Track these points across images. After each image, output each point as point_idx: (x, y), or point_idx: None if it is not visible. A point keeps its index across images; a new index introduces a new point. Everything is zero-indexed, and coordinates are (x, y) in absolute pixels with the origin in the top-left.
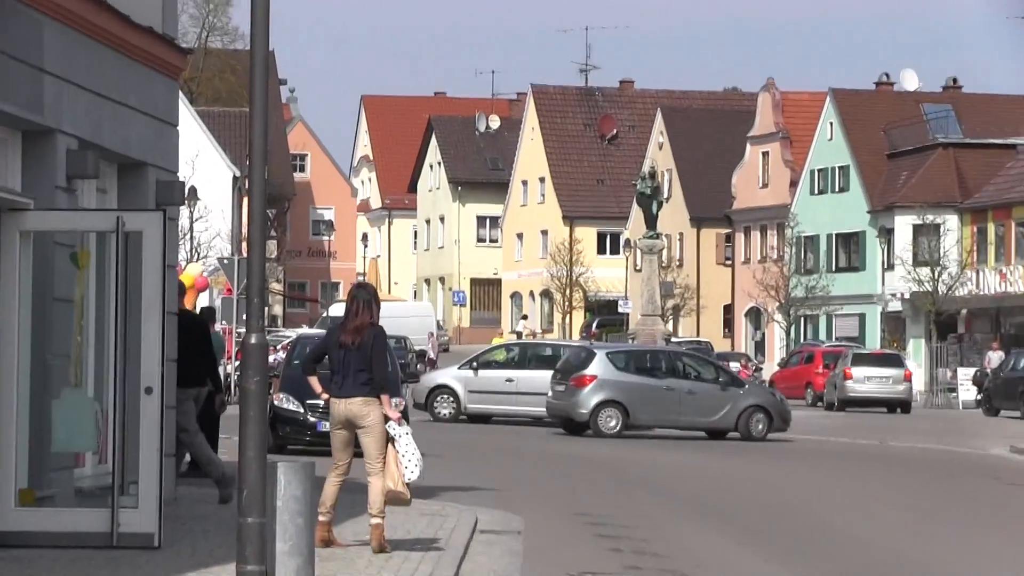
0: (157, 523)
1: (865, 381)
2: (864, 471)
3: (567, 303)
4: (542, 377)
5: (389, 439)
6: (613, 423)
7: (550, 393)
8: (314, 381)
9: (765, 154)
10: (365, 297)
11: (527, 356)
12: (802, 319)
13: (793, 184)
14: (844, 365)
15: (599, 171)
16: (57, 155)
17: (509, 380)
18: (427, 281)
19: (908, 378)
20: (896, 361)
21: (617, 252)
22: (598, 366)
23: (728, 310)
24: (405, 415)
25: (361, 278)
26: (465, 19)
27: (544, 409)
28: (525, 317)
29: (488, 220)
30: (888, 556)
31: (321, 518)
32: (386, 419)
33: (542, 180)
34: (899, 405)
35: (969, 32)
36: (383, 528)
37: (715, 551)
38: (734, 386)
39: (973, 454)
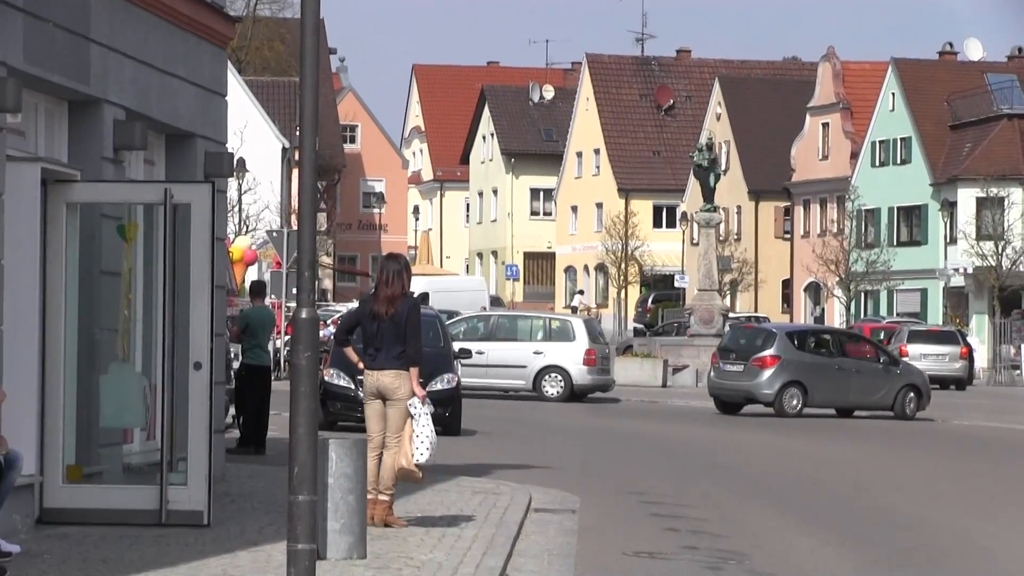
0: (206, 501)
1: (921, 359)
2: (927, 450)
3: (622, 277)
4: (512, 349)
5: (410, 416)
6: (795, 403)
7: (712, 372)
8: (350, 352)
9: (825, 125)
10: (396, 268)
11: (495, 328)
12: (862, 294)
13: (854, 156)
14: (900, 342)
15: (655, 142)
16: (104, 126)
17: (479, 352)
18: (479, 255)
19: (965, 355)
20: (952, 338)
21: (673, 225)
22: (780, 346)
23: (787, 285)
24: (458, 390)
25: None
26: None
27: (517, 382)
28: (581, 292)
29: (542, 192)
30: (950, 538)
31: (369, 496)
32: (411, 395)
33: (597, 152)
34: (955, 382)
35: None
36: (390, 504)
37: (774, 532)
38: (892, 365)
39: None
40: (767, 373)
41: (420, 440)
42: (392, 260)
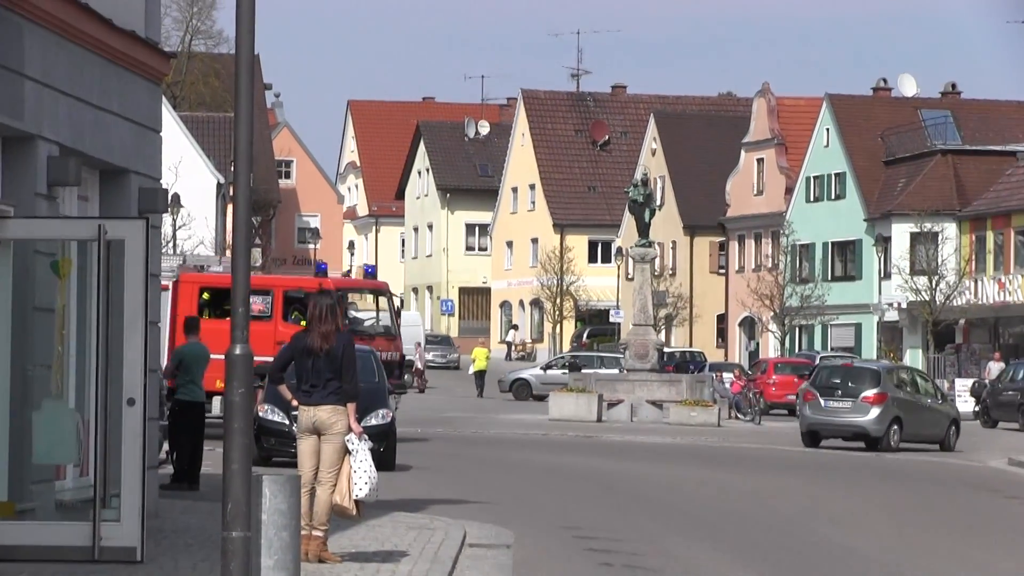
0: (140, 537)
1: None
2: (860, 483)
3: (557, 312)
4: None
5: (347, 452)
6: (896, 438)
7: (807, 408)
8: (284, 390)
9: (760, 161)
10: (328, 303)
11: None
12: (797, 329)
13: (788, 191)
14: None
15: (591, 178)
16: (38, 161)
17: None
18: (415, 290)
19: None
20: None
21: (609, 260)
22: (886, 384)
23: (721, 320)
24: (393, 426)
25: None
26: (454, 23)
27: None
28: (516, 327)
29: (477, 228)
30: (884, 570)
31: (303, 531)
32: (348, 431)
33: (532, 187)
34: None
35: (968, 37)
36: (324, 540)
37: (708, 566)
38: (945, 401)
39: (971, 466)
40: (876, 410)
41: (359, 476)
42: (324, 295)
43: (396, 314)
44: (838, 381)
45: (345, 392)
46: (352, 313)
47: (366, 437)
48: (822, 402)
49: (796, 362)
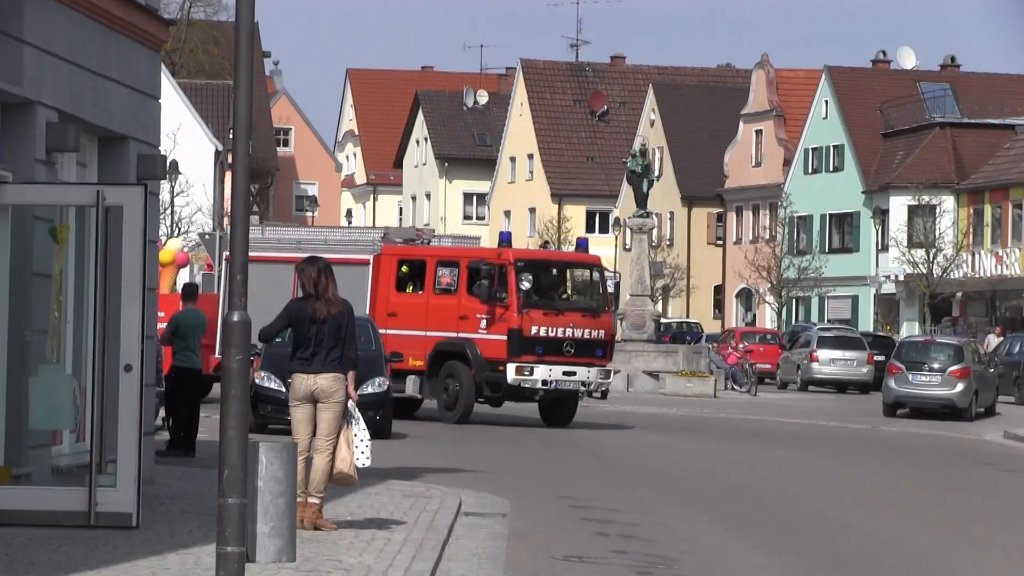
0: (135, 503)
1: (831, 363)
2: (856, 457)
3: None
4: None
5: (347, 420)
6: (975, 409)
7: (893, 381)
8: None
9: (758, 132)
10: (322, 266)
11: None
12: (794, 301)
13: (787, 163)
14: (811, 348)
15: (589, 148)
16: (37, 127)
17: None
18: None
19: (871, 361)
20: (859, 344)
21: (606, 231)
22: (968, 359)
23: (719, 291)
24: (389, 394)
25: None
26: None
27: None
28: None
29: (475, 197)
30: (880, 544)
31: (299, 499)
32: (347, 399)
33: (531, 157)
34: (860, 387)
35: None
36: (320, 508)
37: (704, 538)
38: (994, 369)
39: (968, 439)
40: (962, 384)
41: (363, 443)
42: (316, 262)
43: (607, 289)
44: (923, 356)
45: (347, 360)
46: (525, 284)
47: (356, 406)
48: (909, 376)
49: (762, 331)
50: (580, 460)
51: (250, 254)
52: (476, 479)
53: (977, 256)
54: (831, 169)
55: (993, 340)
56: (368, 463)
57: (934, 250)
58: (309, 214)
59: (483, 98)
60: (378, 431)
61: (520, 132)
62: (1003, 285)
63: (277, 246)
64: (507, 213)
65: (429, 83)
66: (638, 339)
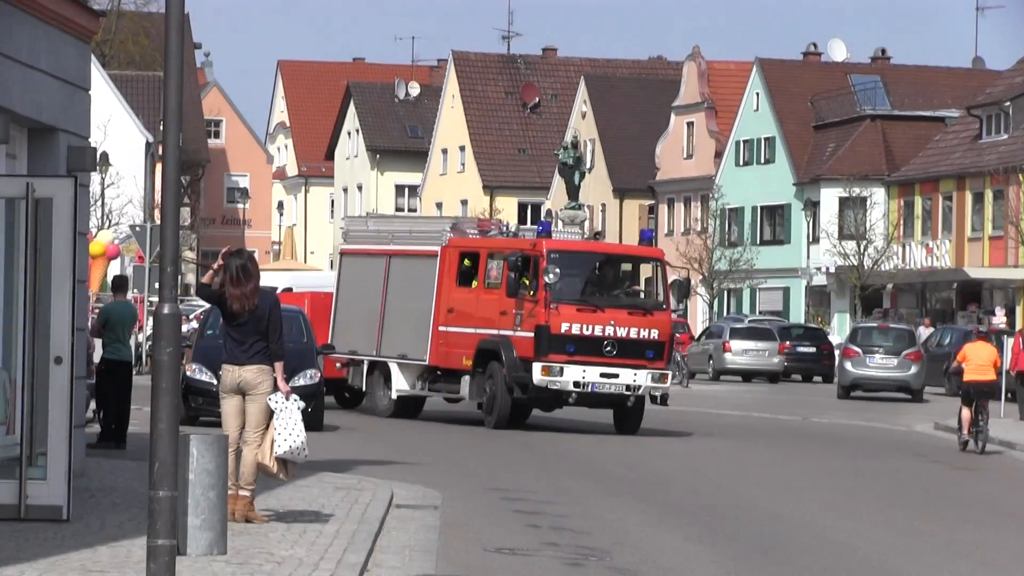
0: (66, 496)
1: (743, 354)
2: (788, 447)
3: None
4: None
5: (276, 411)
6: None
7: (849, 363)
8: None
9: (690, 124)
10: (239, 263)
11: None
12: (725, 292)
13: (718, 155)
14: (723, 339)
15: (521, 140)
16: None
17: None
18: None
19: (782, 351)
20: (770, 335)
21: (538, 222)
22: (919, 343)
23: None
24: (321, 386)
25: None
26: None
27: None
28: None
29: (407, 189)
30: (809, 534)
31: (230, 491)
32: (275, 390)
33: (462, 149)
34: (770, 376)
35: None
36: (251, 500)
37: (635, 528)
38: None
39: (898, 431)
40: (916, 367)
41: (282, 435)
42: (235, 256)
43: (666, 286)
44: (879, 340)
45: (272, 352)
46: (550, 277)
47: (296, 397)
48: (866, 359)
49: (679, 321)
50: (512, 452)
51: (361, 247)
52: (409, 471)
53: (908, 248)
54: (762, 161)
55: (924, 332)
56: (281, 451)
57: (865, 242)
58: (240, 206)
59: (415, 90)
60: (310, 423)
61: (452, 124)
62: (933, 277)
63: (377, 238)
64: (439, 205)
65: (360, 75)
66: None
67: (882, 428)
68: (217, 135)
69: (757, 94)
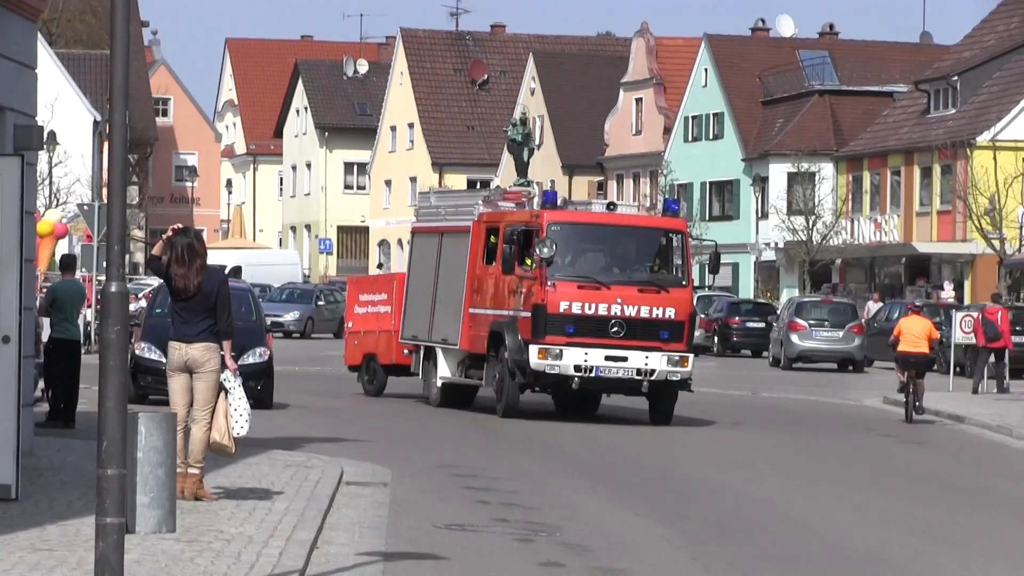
0: (14, 475)
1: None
2: (739, 424)
3: None
4: None
5: (223, 389)
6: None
7: (796, 336)
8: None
9: (639, 100)
10: (185, 242)
11: None
12: None
13: (667, 131)
14: None
15: (469, 117)
16: None
17: None
18: (293, 229)
19: (705, 326)
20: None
21: None
22: (860, 316)
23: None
24: (271, 364)
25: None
26: None
27: None
28: (380, 266)
29: (356, 166)
30: (762, 510)
31: (179, 469)
32: (223, 368)
33: (411, 126)
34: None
35: None
36: (200, 478)
37: (586, 505)
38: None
39: (847, 405)
40: (859, 339)
41: (239, 413)
42: (182, 235)
43: (687, 260)
44: (824, 314)
45: (220, 330)
46: (545, 251)
47: (238, 374)
48: (812, 332)
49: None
50: (463, 429)
51: (423, 225)
52: (358, 449)
53: (856, 223)
54: (711, 137)
55: (872, 306)
56: (244, 431)
57: (813, 217)
58: (189, 184)
59: (363, 67)
60: (259, 401)
61: (400, 101)
62: (882, 252)
63: (435, 215)
64: (388, 183)
65: (309, 52)
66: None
67: (832, 403)
68: (165, 113)
69: (705, 70)
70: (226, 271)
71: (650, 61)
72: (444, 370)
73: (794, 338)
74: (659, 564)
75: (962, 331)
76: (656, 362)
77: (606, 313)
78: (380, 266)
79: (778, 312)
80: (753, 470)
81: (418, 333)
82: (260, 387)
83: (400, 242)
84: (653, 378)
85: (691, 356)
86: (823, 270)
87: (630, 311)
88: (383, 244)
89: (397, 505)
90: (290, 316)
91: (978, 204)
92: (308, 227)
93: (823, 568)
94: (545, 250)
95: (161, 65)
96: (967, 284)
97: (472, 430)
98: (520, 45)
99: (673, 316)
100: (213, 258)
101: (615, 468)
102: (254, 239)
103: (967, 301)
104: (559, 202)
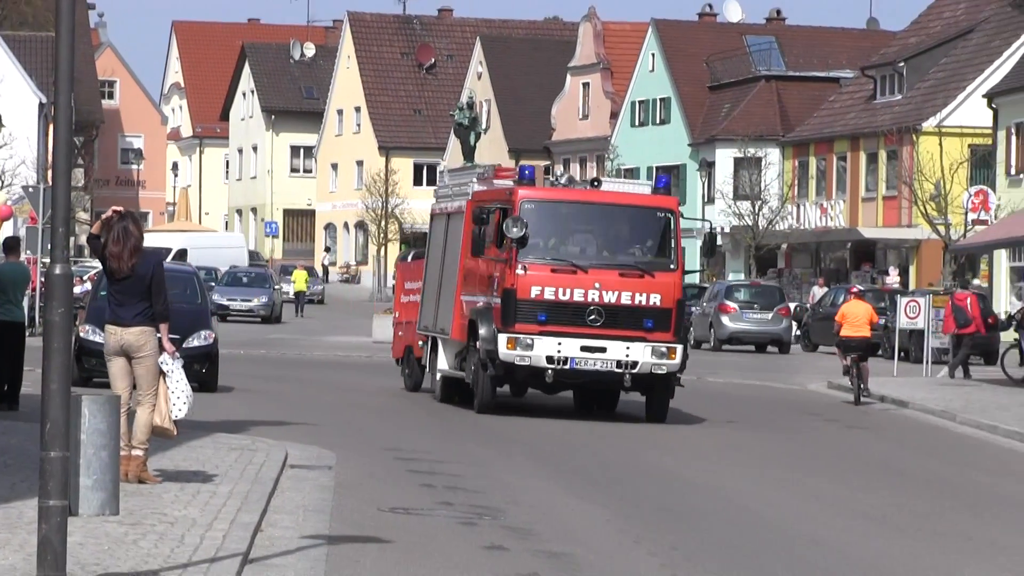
0: None
1: None
2: (685, 409)
3: (382, 235)
4: None
5: (162, 373)
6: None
7: (727, 319)
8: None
9: (586, 85)
10: (122, 224)
11: None
12: None
13: (614, 116)
14: None
15: (416, 101)
16: None
17: None
18: (239, 212)
19: None
20: None
21: (434, 183)
22: (787, 300)
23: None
24: (215, 347)
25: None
26: None
27: None
28: (327, 249)
29: (302, 150)
30: (708, 495)
31: (123, 452)
32: (160, 352)
33: (358, 109)
34: None
35: None
36: (144, 460)
37: (531, 489)
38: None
39: (792, 390)
40: (786, 321)
41: (176, 396)
42: (121, 218)
43: (676, 241)
44: (753, 297)
45: (156, 313)
46: (514, 231)
47: (179, 356)
48: (742, 314)
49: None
50: (407, 412)
51: (437, 207)
52: (303, 432)
53: (802, 208)
54: (658, 122)
55: (818, 291)
56: (182, 414)
57: (759, 202)
58: (135, 167)
59: (310, 51)
60: (205, 384)
61: (347, 85)
62: (828, 237)
63: (447, 196)
64: (334, 166)
65: (255, 35)
66: None
67: (778, 387)
68: (111, 96)
69: (653, 55)
70: (171, 254)
71: (597, 46)
72: (443, 362)
73: (724, 320)
74: (603, 548)
75: (907, 316)
76: (639, 353)
77: (582, 299)
78: (327, 250)
79: (705, 296)
80: (700, 456)
81: (428, 323)
82: (205, 370)
83: (347, 226)
84: (635, 371)
85: (680, 347)
86: (769, 255)
87: (609, 297)
88: (329, 227)
89: (341, 488)
90: (258, 301)
91: (923, 190)
92: (254, 210)
93: (768, 553)
94: (514, 230)
95: (107, 48)
96: (912, 269)
97: (414, 412)
98: (467, 29)
99: (659, 303)
100: (159, 241)
101: (559, 452)
102: (200, 222)
103: (912, 286)
104: (552, 178)
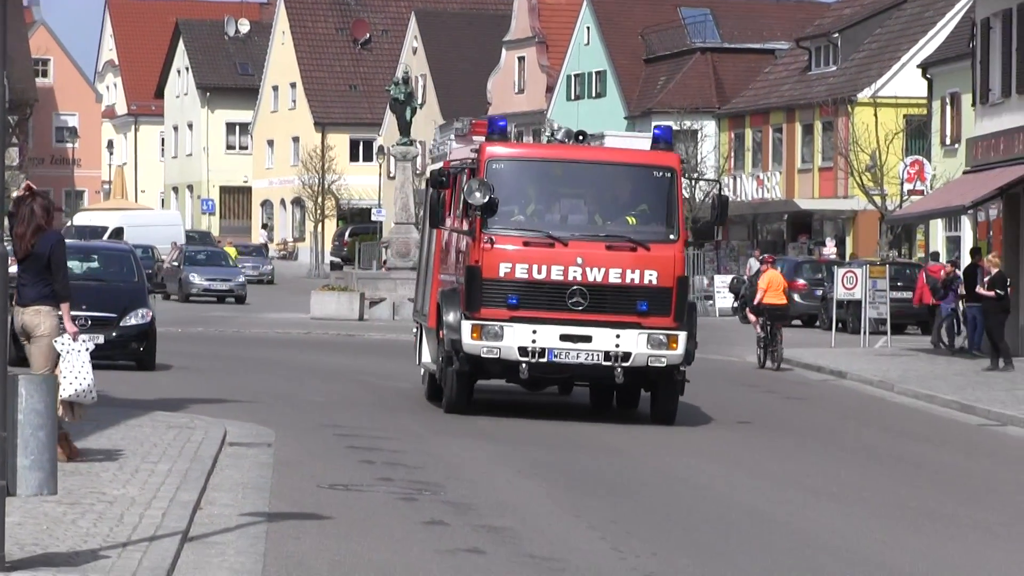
0: None
1: None
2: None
3: (319, 211)
4: None
5: (61, 353)
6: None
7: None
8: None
9: (521, 59)
10: (27, 205)
11: None
12: None
13: (549, 90)
14: None
15: (352, 76)
16: None
17: None
18: (175, 189)
19: None
20: None
21: (370, 159)
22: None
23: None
24: (152, 325)
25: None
26: None
27: None
28: (266, 226)
29: (238, 127)
30: (647, 468)
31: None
32: (58, 333)
33: (293, 86)
34: None
35: None
36: (66, 437)
37: (470, 464)
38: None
39: (730, 361)
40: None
41: (72, 377)
42: (27, 197)
43: (677, 206)
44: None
45: (56, 293)
46: (476, 196)
47: (85, 338)
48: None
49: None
50: (346, 389)
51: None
52: (242, 409)
53: (739, 180)
54: (594, 95)
55: (755, 263)
56: (66, 395)
57: (696, 175)
58: (69, 146)
59: (244, 27)
60: (142, 363)
61: (282, 61)
62: (764, 208)
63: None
64: (270, 142)
65: (190, 12)
66: (403, 267)
67: (716, 359)
68: (45, 74)
69: (588, 28)
70: (108, 232)
71: (532, 19)
72: (426, 354)
73: None
74: (542, 522)
75: (844, 287)
76: (631, 343)
77: (562, 278)
78: (265, 227)
79: None
80: (638, 428)
81: (417, 307)
82: (142, 348)
83: (283, 202)
84: (628, 364)
85: (683, 335)
86: (705, 227)
87: (595, 275)
88: (266, 204)
89: (281, 466)
90: (236, 281)
91: (859, 161)
92: (190, 187)
93: (706, 524)
94: (476, 194)
95: (40, 25)
96: (848, 240)
97: (352, 388)
98: (402, 4)
99: (655, 281)
100: (95, 219)
101: (499, 428)
102: (136, 200)
103: (848, 257)
104: (548, 133)
